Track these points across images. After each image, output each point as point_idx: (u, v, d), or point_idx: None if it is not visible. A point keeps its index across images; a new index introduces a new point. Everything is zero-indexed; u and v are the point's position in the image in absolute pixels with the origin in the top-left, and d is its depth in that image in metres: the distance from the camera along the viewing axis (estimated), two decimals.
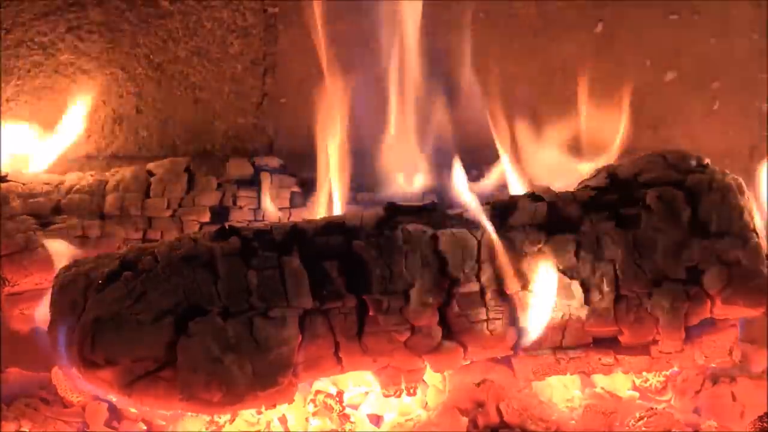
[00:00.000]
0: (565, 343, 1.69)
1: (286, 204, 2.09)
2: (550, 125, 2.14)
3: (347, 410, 1.82)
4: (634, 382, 1.92)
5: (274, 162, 2.14)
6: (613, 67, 2.30)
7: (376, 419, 1.87)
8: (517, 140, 2.10)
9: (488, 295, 1.64)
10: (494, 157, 2.18)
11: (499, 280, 1.64)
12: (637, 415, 1.80)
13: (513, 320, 1.65)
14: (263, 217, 2.07)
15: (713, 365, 1.77)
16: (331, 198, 1.98)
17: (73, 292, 1.58)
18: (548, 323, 1.65)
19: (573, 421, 1.84)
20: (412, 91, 2.14)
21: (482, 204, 1.72)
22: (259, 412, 1.78)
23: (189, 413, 1.70)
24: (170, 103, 2.26)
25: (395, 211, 1.68)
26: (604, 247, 1.67)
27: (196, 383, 1.51)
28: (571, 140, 2.14)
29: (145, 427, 1.82)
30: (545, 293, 1.64)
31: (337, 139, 1.98)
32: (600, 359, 1.70)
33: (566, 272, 1.66)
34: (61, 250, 1.90)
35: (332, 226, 1.66)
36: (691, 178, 1.72)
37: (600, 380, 1.92)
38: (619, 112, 2.11)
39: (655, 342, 1.68)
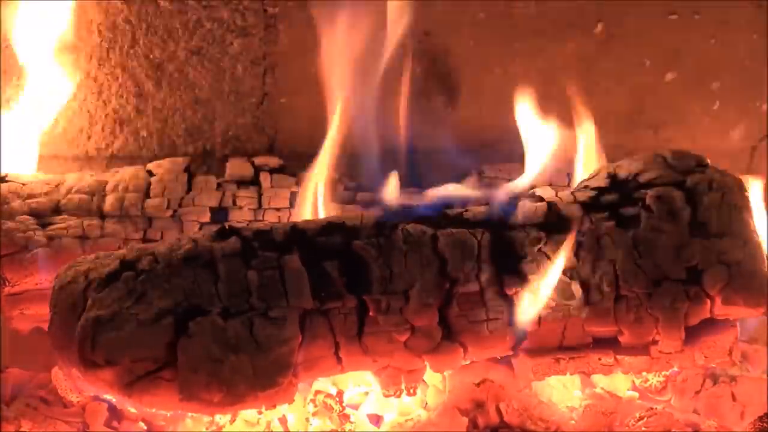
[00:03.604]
0: (565, 343, 1.69)
1: (286, 204, 2.09)
2: None
3: (347, 410, 1.83)
4: (634, 382, 1.92)
5: (274, 162, 2.14)
6: (613, 67, 2.30)
7: (376, 419, 1.87)
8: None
9: (488, 295, 1.64)
10: (494, 157, 2.19)
11: (499, 280, 1.64)
12: (637, 415, 1.80)
13: (513, 320, 1.65)
14: (263, 217, 2.07)
15: (713, 365, 1.77)
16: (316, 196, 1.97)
17: (73, 292, 1.58)
18: (547, 323, 1.65)
19: (573, 421, 1.84)
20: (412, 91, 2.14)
21: (482, 204, 1.72)
22: (260, 413, 1.78)
23: (189, 413, 1.70)
24: (170, 103, 2.26)
25: (395, 212, 1.69)
26: (604, 247, 1.67)
27: (197, 383, 1.51)
28: None
29: (145, 427, 1.82)
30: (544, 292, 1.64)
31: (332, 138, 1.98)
32: (600, 359, 1.70)
33: (566, 272, 1.66)
34: (60, 250, 1.90)
35: (332, 226, 1.66)
36: (691, 178, 1.72)
37: (600, 380, 1.92)
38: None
39: (654, 342, 1.68)
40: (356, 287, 1.60)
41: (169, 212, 2.03)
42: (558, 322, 1.66)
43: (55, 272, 1.66)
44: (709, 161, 1.79)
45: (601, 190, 1.75)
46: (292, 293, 1.57)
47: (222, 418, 1.78)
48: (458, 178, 2.12)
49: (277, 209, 2.08)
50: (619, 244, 1.67)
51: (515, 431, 1.80)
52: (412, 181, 2.10)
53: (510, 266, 1.65)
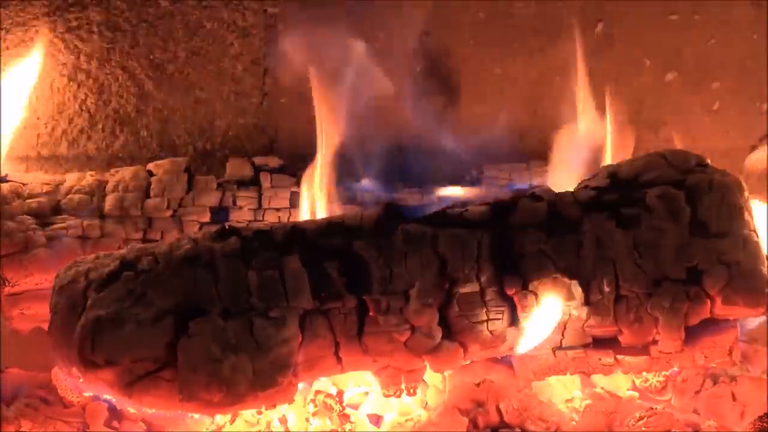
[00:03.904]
0: (565, 343, 1.69)
1: (286, 204, 2.09)
2: None
3: (347, 410, 1.82)
4: (634, 382, 1.92)
5: (274, 162, 2.14)
6: (613, 67, 2.30)
7: (376, 419, 1.87)
8: None
9: (488, 295, 1.64)
10: (494, 157, 2.19)
11: (499, 280, 1.64)
12: (637, 415, 1.80)
13: (513, 320, 1.65)
14: (263, 217, 2.07)
15: (713, 365, 1.77)
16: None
17: (73, 292, 1.58)
18: (549, 324, 1.65)
19: (573, 422, 1.84)
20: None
21: (482, 204, 1.72)
22: (260, 413, 1.78)
23: (189, 413, 1.70)
24: (170, 103, 2.26)
25: (395, 212, 1.69)
26: (604, 247, 1.66)
27: (197, 383, 1.51)
28: None
29: (145, 427, 1.82)
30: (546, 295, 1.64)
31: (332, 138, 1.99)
32: (600, 359, 1.70)
33: (566, 272, 1.66)
34: (61, 250, 1.90)
35: (332, 226, 1.66)
36: (691, 178, 1.72)
37: (600, 380, 1.92)
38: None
39: (654, 342, 1.68)
40: (356, 287, 1.60)
41: (169, 212, 2.03)
42: (558, 322, 1.66)
43: (55, 272, 1.66)
44: (709, 161, 1.79)
45: (601, 190, 1.74)
46: (292, 293, 1.57)
47: (222, 418, 1.78)
48: (458, 178, 2.12)
49: (277, 209, 2.08)
50: (619, 244, 1.66)
51: (515, 431, 1.80)
52: (412, 181, 2.10)
53: (510, 266, 1.65)
